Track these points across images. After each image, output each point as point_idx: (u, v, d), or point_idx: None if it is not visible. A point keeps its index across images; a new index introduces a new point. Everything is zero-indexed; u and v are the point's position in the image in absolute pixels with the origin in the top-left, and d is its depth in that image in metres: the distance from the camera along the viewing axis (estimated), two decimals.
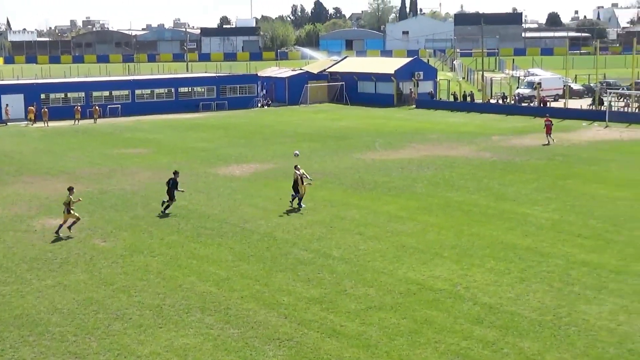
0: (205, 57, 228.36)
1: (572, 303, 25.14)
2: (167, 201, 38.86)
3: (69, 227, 35.12)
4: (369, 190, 43.45)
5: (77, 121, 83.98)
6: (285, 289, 27.19)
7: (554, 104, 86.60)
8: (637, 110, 78.13)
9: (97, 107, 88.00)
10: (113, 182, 48.05)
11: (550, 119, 62.84)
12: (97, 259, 31.43)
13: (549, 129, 61.32)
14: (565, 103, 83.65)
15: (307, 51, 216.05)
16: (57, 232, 34.79)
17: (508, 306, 24.99)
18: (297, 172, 39.10)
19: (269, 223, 36.24)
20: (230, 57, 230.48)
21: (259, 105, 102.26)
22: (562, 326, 23.24)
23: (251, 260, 30.72)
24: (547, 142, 60.84)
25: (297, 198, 39.28)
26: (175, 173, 39.41)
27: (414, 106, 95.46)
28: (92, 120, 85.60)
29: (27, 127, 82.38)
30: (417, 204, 39.68)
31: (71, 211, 35.12)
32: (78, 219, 35.53)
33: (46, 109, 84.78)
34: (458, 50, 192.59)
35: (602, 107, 78.38)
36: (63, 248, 33.10)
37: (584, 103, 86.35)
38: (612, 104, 78.90)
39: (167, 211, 38.66)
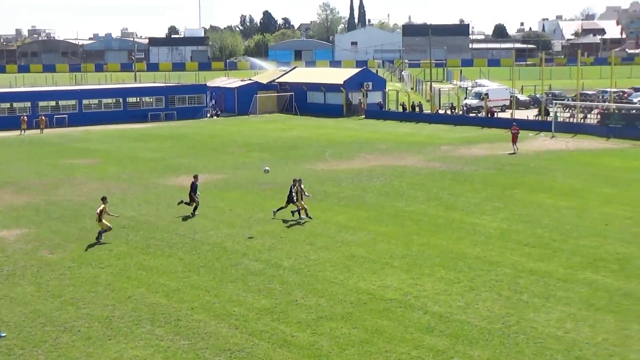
0: (153, 67, 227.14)
1: (521, 311, 25.43)
2: (189, 203, 40.28)
3: (99, 235, 35.09)
4: (319, 201, 43.48)
5: (23, 131, 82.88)
6: (236, 300, 27.09)
7: (501, 115, 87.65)
8: (582, 121, 79.40)
9: (43, 117, 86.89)
10: (60, 192, 47.45)
11: (517, 128, 63.77)
12: (45, 271, 30.99)
13: (515, 138, 62.40)
14: (512, 114, 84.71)
15: (256, 61, 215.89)
16: (97, 239, 35.09)
17: (458, 315, 25.19)
18: (297, 185, 38.92)
19: (219, 234, 36.09)
20: (178, 67, 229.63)
21: (208, 115, 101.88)
22: (511, 334, 23.49)
23: (201, 271, 30.55)
24: (512, 151, 61.83)
25: (298, 211, 39.10)
26: (195, 177, 40.57)
27: (363, 116, 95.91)
28: (38, 131, 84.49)
29: None
30: (367, 214, 39.83)
31: (102, 220, 34.94)
32: (110, 228, 35.18)
33: None
34: (406, 61, 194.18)
35: (548, 117, 79.54)
36: (9, 260, 32.58)
37: (530, 114, 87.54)
38: (558, 114, 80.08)
39: (196, 212, 40.11)
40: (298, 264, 31.15)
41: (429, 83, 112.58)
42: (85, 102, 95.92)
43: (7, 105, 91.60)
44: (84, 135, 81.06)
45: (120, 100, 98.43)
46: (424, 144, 68.84)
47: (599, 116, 78.05)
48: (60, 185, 49.92)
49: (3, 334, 24.12)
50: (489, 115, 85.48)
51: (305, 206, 38.74)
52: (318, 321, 24.87)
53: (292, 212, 38.94)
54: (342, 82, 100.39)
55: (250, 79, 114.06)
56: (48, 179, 52.56)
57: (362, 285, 28.40)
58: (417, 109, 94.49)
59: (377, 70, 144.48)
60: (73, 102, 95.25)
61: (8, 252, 33.87)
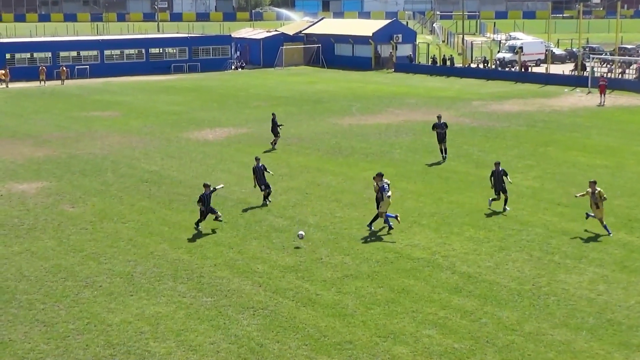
0: (177, 17, 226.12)
1: (552, 272, 25.43)
2: (263, 189, 33.94)
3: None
4: (345, 156, 43.51)
5: (42, 82, 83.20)
6: (260, 257, 27.28)
7: (535, 69, 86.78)
8: (620, 76, 78.49)
9: (64, 68, 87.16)
10: (81, 146, 47.77)
11: (605, 80, 64.38)
12: (66, 225, 31.34)
13: (603, 89, 63.26)
14: (547, 68, 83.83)
15: (283, 12, 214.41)
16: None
17: (487, 275, 25.24)
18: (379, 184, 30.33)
19: (242, 189, 36.22)
20: (202, 17, 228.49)
21: (233, 67, 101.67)
22: (542, 295, 23.53)
23: (225, 227, 30.74)
24: (600, 103, 62.75)
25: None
26: (257, 159, 34.32)
27: (393, 70, 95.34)
28: (59, 82, 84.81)
29: None
30: (395, 171, 39.76)
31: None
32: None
33: (7, 70, 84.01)
34: (438, 12, 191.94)
35: (585, 72, 78.65)
36: (30, 213, 32.95)
37: (566, 68, 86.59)
38: (595, 69, 79.17)
39: (270, 198, 34.09)
40: (323, 221, 31.25)
41: (461, 36, 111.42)
42: (107, 52, 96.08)
43: (28, 55, 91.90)
44: (105, 86, 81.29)
45: (143, 51, 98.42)
46: (454, 99, 68.43)
47: (637, 71, 77.09)
48: (81, 139, 50.23)
49: None
50: (523, 70, 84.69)
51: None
52: (343, 280, 25.02)
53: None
54: (370, 34, 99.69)
55: (276, 30, 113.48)
56: (69, 132, 52.91)
57: (389, 244, 28.48)
58: (448, 63, 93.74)
59: (407, 22, 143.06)
60: (95, 52, 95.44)
61: (29, 205, 34.24)
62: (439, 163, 40.55)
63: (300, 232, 28.25)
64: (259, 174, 33.68)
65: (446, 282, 24.67)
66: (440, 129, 41.40)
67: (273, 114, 47.50)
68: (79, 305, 23.43)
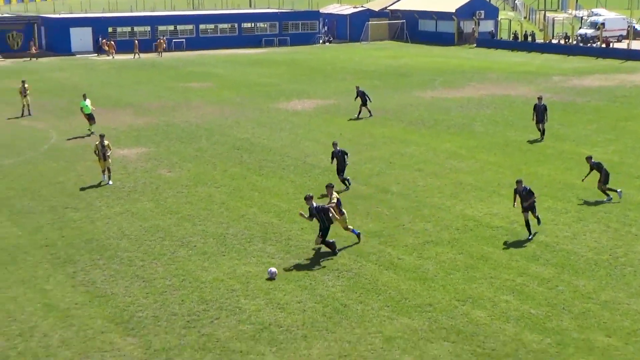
0: None
1: (629, 244, 24.92)
2: (342, 177, 31.60)
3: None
4: (428, 128, 43.26)
5: (136, 55, 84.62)
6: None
7: (617, 45, 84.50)
8: None
9: (162, 41, 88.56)
10: (178, 114, 48.53)
11: None
12: (163, 189, 31.97)
13: None
14: (628, 44, 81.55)
15: None
16: None
17: (564, 245, 24.88)
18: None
19: (329, 157, 36.30)
20: None
21: (321, 41, 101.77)
22: (618, 266, 23.10)
23: (313, 193, 30.88)
24: None
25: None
26: (335, 144, 31.90)
27: (475, 45, 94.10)
28: (157, 54, 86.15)
29: (95, 59, 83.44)
30: (476, 143, 39.40)
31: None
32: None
33: (112, 42, 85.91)
34: None
35: None
36: (130, 177, 33.69)
37: None
38: None
39: (351, 182, 31.88)
40: (406, 190, 31.19)
41: (543, 12, 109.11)
42: (202, 27, 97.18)
43: (128, 29, 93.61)
44: (200, 59, 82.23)
45: (235, 25, 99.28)
46: (535, 74, 67.20)
47: None
48: (178, 108, 51.02)
49: None
50: (605, 46, 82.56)
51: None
52: (424, 245, 24.99)
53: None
54: (454, 10, 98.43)
55: (362, 6, 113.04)
56: (166, 101, 53.78)
57: (469, 212, 28.29)
58: (529, 39, 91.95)
59: None
60: (190, 26, 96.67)
61: (129, 169, 35.01)
62: (536, 141, 39.68)
63: (271, 270, 22.71)
64: (338, 158, 31.28)
65: (524, 251, 24.41)
66: (540, 110, 40.06)
67: (357, 87, 47.45)
68: (175, 263, 23.95)
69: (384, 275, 22.54)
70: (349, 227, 25.22)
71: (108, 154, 32.36)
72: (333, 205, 24.42)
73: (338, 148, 31.45)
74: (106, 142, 32.25)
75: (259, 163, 35.74)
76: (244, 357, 18.13)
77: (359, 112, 46.26)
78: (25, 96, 48.83)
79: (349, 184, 31.54)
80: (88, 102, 42.17)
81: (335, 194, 24.92)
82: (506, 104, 51.13)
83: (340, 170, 31.46)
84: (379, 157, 36.57)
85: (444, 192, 30.73)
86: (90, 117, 42.17)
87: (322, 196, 28.33)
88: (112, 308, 20.87)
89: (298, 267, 23.43)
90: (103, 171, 32.63)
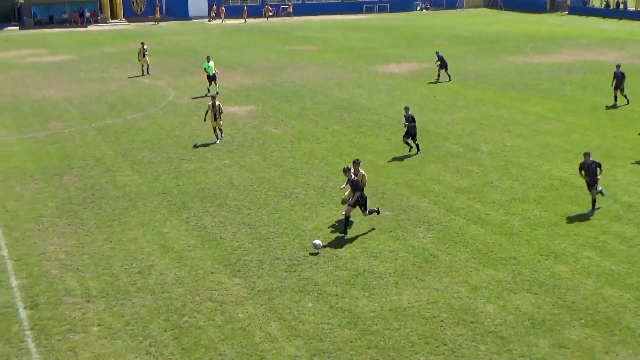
0: None
1: None
2: (412, 143, 30.51)
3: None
4: (518, 92, 42.36)
5: (245, 20, 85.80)
6: (436, 179, 27.24)
7: None
8: None
9: (269, 7, 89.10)
10: (284, 75, 48.84)
11: None
12: (269, 144, 32.34)
13: None
14: None
15: None
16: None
17: None
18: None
19: (423, 118, 36.03)
20: None
21: (418, 8, 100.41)
22: None
23: (406, 150, 30.79)
24: None
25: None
26: (407, 108, 30.55)
27: (567, 12, 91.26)
28: (265, 19, 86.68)
29: (209, 23, 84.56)
30: (564, 106, 38.41)
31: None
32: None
33: (224, 8, 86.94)
34: None
35: None
36: (240, 132, 34.18)
37: None
38: None
39: (420, 148, 30.54)
40: (495, 149, 30.74)
41: None
42: None
43: None
44: (305, 24, 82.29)
45: None
46: (625, 40, 64.79)
47: None
48: (284, 69, 51.32)
49: None
50: None
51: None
52: (511, 202, 24.65)
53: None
54: None
55: None
56: (273, 63, 54.14)
57: (555, 172, 27.71)
58: (621, 6, 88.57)
59: None
60: None
61: (239, 125, 35.52)
62: (613, 107, 38.44)
63: (316, 243, 21.28)
64: (408, 121, 30.05)
65: (607, 210, 23.79)
66: (618, 77, 38.64)
67: (437, 52, 46.57)
68: (278, 212, 24.30)
69: (472, 229, 22.39)
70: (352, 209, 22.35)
71: (219, 115, 32.43)
72: (364, 182, 22.84)
73: (409, 113, 30.30)
74: (218, 103, 32.32)
75: (357, 122, 35.74)
76: (339, 300, 18.36)
77: (438, 76, 45.69)
78: (144, 57, 49.90)
79: (419, 149, 30.43)
80: (211, 63, 42.68)
81: (362, 171, 23.06)
82: (596, 69, 49.54)
83: (409, 134, 30.20)
84: (470, 118, 36.08)
85: (532, 152, 30.15)
86: (211, 78, 42.69)
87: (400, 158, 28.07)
88: (220, 251, 21.39)
89: (391, 219, 23.46)
90: (214, 129, 32.80)
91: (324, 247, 21.26)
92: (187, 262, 20.73)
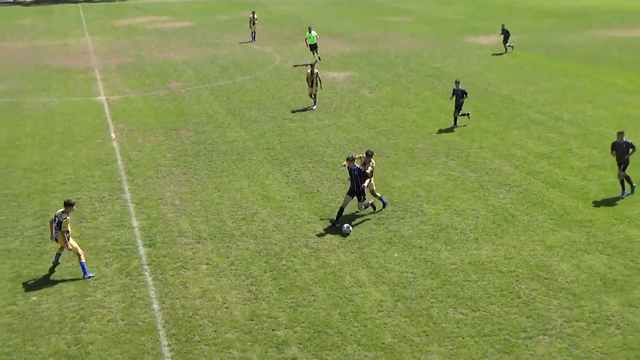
0: None
1: None
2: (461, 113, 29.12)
3: None
4: (601, 64, 40.74)
5: None
6: (518, 144, 26.63)
7: None
8: None
9: None
10: (380, 44, 48.34)
11: None
12: (364, 107, 32.20)
13: None
14: None
15: None
16: None
17: None
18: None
19: (508, 87, 35.21)
20: None
21: None
22: None
23: (491, 117, 30.20)
24: None
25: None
26: (457, 82, 29.20)
27: None
28: None
29: None
30: None
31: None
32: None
33: None
34: None
35: None
36: (338, 95, 34.14)
37: None
38: None
39: (469, 117, 29.43)
40: (576, 118, 29.77)
41: None
42: None
43: None
44: None
45: None
46: None
47: None
48: (380, 39, 50.78)
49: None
50: None
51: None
52: (589, 169, 23.88)
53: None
54: None
55: None
56: (370, 33, 53.62)
57: (634, 142, 26.61)
58: None
59: None
60: None
61: (337, 89, 35.47)
62: None
63: (347, 227, 19.51)
64: (457, 95, 28.55)
65: None
66: None
67: (503, 25, 45.15)
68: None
69: (550, 192, 21.83)
70: (377, 193, 21.10)
71: (317, 82, 31.86)
72: (370, 173, 20.25)
73: (460, 87, 28.78)
74: (316, 71, 31.91)
75: (446, 89, 35.15)
76: (422, 252, 18.29)
77: (506, 49, 44.41)
78: (254, 24, 50.21)
79: (470, 117, 29.32)
80: (314, 33, 42.57)
81: (373, 162, 20.59)
82: None
83: (457, 106, 28.74)
84: (553, 88, 34.97)
85: (612, 122, 29.05)
86: (313, 47, 42.62)
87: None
88: (316, 203, 21.54)
89: (474, 180, 23.12)
90: (310, 95, 32.44)
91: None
92: (287, 211, 20.98)
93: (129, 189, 22.92)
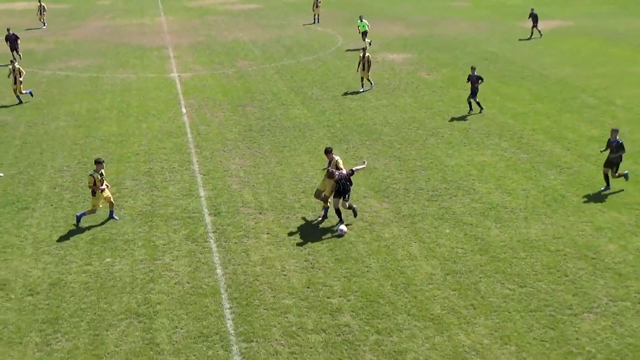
0: None
1: None
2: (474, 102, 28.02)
3: None
4: None
5: None
6: (571, 127, 25.99)
7: None
8: None
9: None
10: (438, 28, 47.58)
11: None
12: (421, 88, 31.83)
13: None
14: None
15: None
16: None
17: None
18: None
19: (563, 71, 34.31)
20: None
21: None
22: None
23: (545, 100, 29.52)
24: None
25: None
26: (473, 68, 27.75)
27: None
28: None
29: None
30: None
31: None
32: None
33: None
34: None
35: None
36: (396, 77, 33.80)
37: None
38: None
39: (482, 108, 27.93)
40: (629, 104, 28.83)
41: None
42: None
43: None
44: None
45: None
46: None
47: None
48: (439, 22, 49.96)
49: None
50: None
51: None
52: (639, 154, 23.22)
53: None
54: None
55: None
56: (429, 17, 52.78)
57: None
58: None
59: None
60: None
61: (396, 70, 35.11)
62: None
63: (342, 228, 17.90)
64: (473, 81, 27.26)
65: None
66: None
67: (532, 9, 43.71)
68: (425, 148, 24.02)
69: (600, 175, 21.18)
70: (328, 203, 18.79)
71: (368, 65, 30.99)
72: (331, 172, 18.20)
73: (475, 73, 27.39)
74: (367, 55, 31.21)
75: (501, 72, 34.48)
76: (473, 229, 18.08)
77: (532, 34, 43.39)
78: (317, 7, 49.97)
79: (481, 108, 27.77)
80: (365, 21, 41.84)
81: (337, 158, 18.88)
82: None
83: (473, 92, 27.39)
84: (608, 73, 33.91)
85: None
86: (364, 34, 41.93)
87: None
88: (372, 179, 21.46)
89: (526, 161, 22.69)
90: (362, 79, 31.50)
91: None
92: None
93: (197, 161, 23.22)
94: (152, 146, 24.80)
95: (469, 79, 27.78)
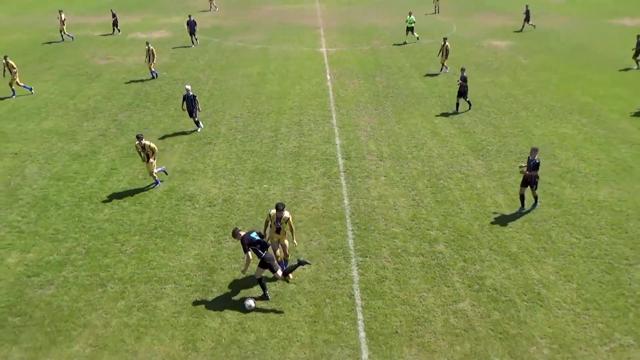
0: None
1: None
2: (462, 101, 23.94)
3: None
4: None
5: None
6: None
7: None
8: None
9: None
10: (537, 21, 44.42)
11: None
12: (518, 70, 30.09)
13: None
14: None
15: None
16: None
17: None
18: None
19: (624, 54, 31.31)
20: None
21: None
22: None
23: (623, 86, 27.13)
24: None
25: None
26: (463, 69, 23.71)
27: None
28: None
29: None
30: None
31: None
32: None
33: None
34: None
35: None
36: (498, 60, 32.10)
37: None
38: None
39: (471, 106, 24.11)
40: None
41: None
42: None
43: None
44: None
45: None
46: None
47: None
48: (537, 16, 46.60)
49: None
50: None
51: None
52: None
53: None
54: None
55: None
56: (531, 12, 49.34)
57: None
58: None
59: None
60: None
61: (498, 54, 33.31)
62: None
63: (249, 303, 12.33)
64: (462, 83, 23.15)
65: None
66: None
67: (527, 5, 40.43)
68: (517, 119, 22.84)
69: None
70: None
71: (445, 54, 28.27)
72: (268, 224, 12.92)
73: (464, 74, 23.03)
74: (446, 44, 28.12)
75: (587, 61, 31.85)
76: (550, 187, 17.20)
77: (522, 27, 39.75)
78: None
79: (470, 106, 23.72)
80: (412, 17, 37.96)
81: (287, 214, 12.85)
82: None
83: (461, 93, 23.30)
84: None
85: None
86: (409, 29, 37.84)
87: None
88: (471, 141, 20.76)
89: (602, 136, 21.12)
90: (442, 65, 28.90)
91: None
92: (447, 144, 20.44)
93: (335, 117, 23.33)
94: (302, 103, 25.13)
95: (460, 80, 23.24)
